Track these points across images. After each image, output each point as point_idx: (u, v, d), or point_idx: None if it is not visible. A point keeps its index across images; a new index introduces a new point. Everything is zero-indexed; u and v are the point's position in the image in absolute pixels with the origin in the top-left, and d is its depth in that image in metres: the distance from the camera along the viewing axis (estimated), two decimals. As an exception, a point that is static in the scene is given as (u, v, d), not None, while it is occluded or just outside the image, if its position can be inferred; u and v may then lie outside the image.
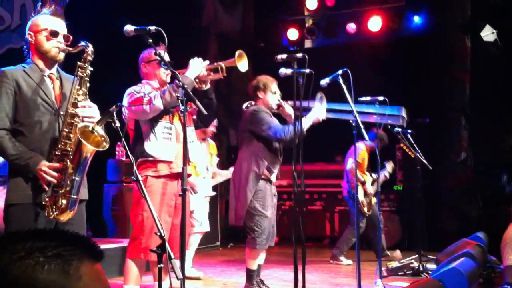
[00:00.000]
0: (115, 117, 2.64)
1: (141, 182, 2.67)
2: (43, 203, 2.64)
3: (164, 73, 3.75)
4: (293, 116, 4.01)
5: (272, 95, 4.55)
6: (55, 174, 2.63)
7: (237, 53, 3.72)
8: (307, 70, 3.72)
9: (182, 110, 3.02)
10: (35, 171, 2.62)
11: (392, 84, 8.03)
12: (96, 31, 6.16)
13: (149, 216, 3.28)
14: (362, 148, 6.65)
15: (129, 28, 3.10)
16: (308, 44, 10.07)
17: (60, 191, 2.64)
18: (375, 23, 9.27)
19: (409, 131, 5.96)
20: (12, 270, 0.81)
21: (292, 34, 9.91)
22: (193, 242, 5.66)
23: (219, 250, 7.99)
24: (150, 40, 3.06)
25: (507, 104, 7.75)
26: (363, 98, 4.81)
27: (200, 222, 5.66)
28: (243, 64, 3.75)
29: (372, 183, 6.75)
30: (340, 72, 4.09)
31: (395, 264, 5.76)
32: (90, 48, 2.81)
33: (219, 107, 4.46)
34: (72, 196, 2.66)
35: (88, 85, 2.81)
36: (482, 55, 8.10)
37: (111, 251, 5.29)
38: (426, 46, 8.63)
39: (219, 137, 6.23)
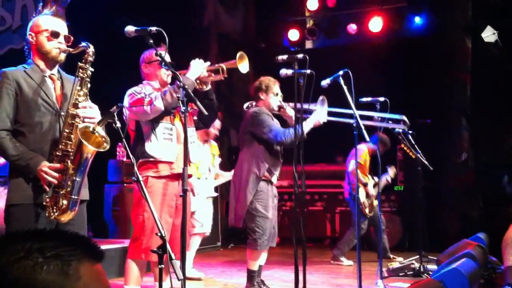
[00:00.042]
0: (116, 118, 2.64)
1: (141, 182, 2.67)
2: (44, 203, 2.64)
3: (165, 74, 3.75)
4: (294, 118, 4.01)
5: (273, 97, 4.55)
6: (55, 174, 2.63)
7: (238, 55, 3.72)
8: (308, 71, 3.72)
9: (183, 110, 3.02)
10: (36, 171, 2.62)
11: (393, 84, 8.02)
12: (97, 32, 6.16)
13: (150, 216, 3.28)
14: (364, 150, 6.66)
15: (130, 28, 3.10)
16: (309, 44, 10.08)
17: (61, 192, 2.64)
18: (376, 24, 9.27)
19: (410, 131, 5.96)
20: (11, 271, 0.81)
21: (293, 34, 9.92)
22: (194, 243, 5.66)
23: (220, 251, 7.99)
24: (151, 41, 3.06)
25: (508, 104, 7.75)
26: (364, 99, 4.81)
27: (201, 223, 5.66)
28: (244, 66, 3.75)
29: (374, 186, 6.75)
30: (341, 72, 4.09)
31: (396, 264, 5.76)
32: (91, 49, 2.81)
33: (220, 108, 4.45)
34: (73, 196, 2.66)
35: (89, 85, 2.81)
36: (483, 56, 8.10)
37: (112, 251, 5.29)
38: (427, 47, 8.63)
39: (220, 138, 6.23)
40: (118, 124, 2.64)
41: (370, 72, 8.19)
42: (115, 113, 2.63)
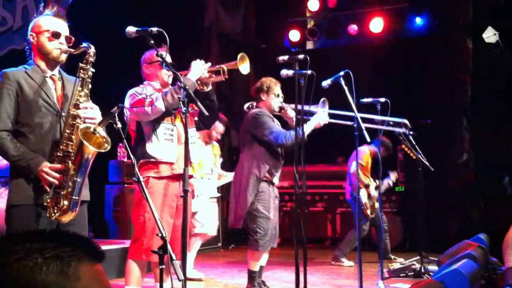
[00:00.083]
0: (117, 118, 2.64)
1: (142, 183, 2.67)
2: (45, 204, 2.64)
3: (166, 74, 3.76)
4: (295, 119, 4.00)
5: (275, 98, 4.55)
6: (56, 175, 2.63)
7: (239, 56, 3.72)
8: (309, 72, 3.72)
9: (184, 111, 3.02)
10: (37, 172, 2.62)
11: (394, 85, 8.03)
12: (98, 32, 6.16)
13: (151, 217, 3.27)
14: (366, 152, 6.67)
15: (131, 29, 3.10)
16: (309, 45, 10.08)
17: (62, 192, 2.64)
18: (376, 25, 9.27)
19: (411, 132, 5.95)
20: (11, 271, 0.81)
21: (294, 35, 9.92)
22: (194, 243, 5.66)
23: (221, 252, 7.99)
24: (152, 42, 3.06)
25: (509, 105, 7.74)
26: (365, 100, 4.81)
27: (202, 223, 5.66)
28: (245, 67, 3.75)
29: (376, 188, 6.75)
30: (341, 73, 4.09)
31: (396, 265, 5.76)
32: (92, 50, 2.81)
33: (221, 108, 4.46)
34: (74, 197, 2.66)
35: (89, 86, 2.81)
36: (484, 56, 8.10)
37: (112, 252, 5.30)
38: (427, 48, 8.63)
39: (221, 138, 6.24)
40: (119, 125, 2.64)
41: (371, 73, 8.19)
42: (116, 114, 2.63)
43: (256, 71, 6.92)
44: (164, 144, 3.60)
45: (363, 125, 3.98)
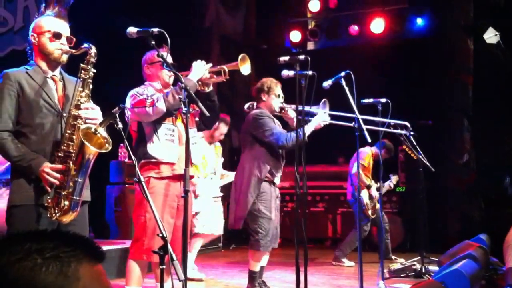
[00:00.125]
0: (118, 119, 2.64)
1: (143, 183, 2.68)
2: (46, 204, 2.64)
3: (167, 75, 3.76)
4: (295, 120, 4.00)
5: (275, 98, 4.55)
6: (57, 175, 2.63)
7: (240, 57, 3.72)
8: (310, 72, 3.72)
9: (185, 112, 3.02)
10: (38, 172, 2.62)
11: (395, 86, 8.03)
12: (99, 32, 6.16)
13: (152, 217, 3.27)
14: (367, 152, 6.69)
15: (132, 30, 3.10)
16: (310, 46, 10.09)
17: (63, 193, 2.64)
18: (377, 25, 9.27)
19: (412, 133, 5.96)
20: (11, 271, 0.82)
21: (295, 36, 9.92)
22: (195, 244, 5.65)
23: (221, 252, 7.99)
24: (153, 42, 3.06)
25: (510, 106, 7.74)
26: (366, 100, 4.81)
27: (203, 224, 5.65)
28: (246, 68, 3.75)
29: (377, 190, 6.75)
30: (342, 74, 4.09)
31: (397, 265, 5.76)
32: (93, 50, 2.81)
33: (222, 109, 4.46)
34: (75, 197, 2.66)
35: (91, 87, 2.82)
36: (485, 57, 8.10)
37: (113, 252, 5.30)
38: (428, 48, 8.63)
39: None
40: (120, 125, 2.64)
41: (372, 73, 8.19)
42: (117, 114, 2.63)
43: (257, 72, 6.91)
44: (165, 145, 3.60)
45: (364, 126, 3.98)
